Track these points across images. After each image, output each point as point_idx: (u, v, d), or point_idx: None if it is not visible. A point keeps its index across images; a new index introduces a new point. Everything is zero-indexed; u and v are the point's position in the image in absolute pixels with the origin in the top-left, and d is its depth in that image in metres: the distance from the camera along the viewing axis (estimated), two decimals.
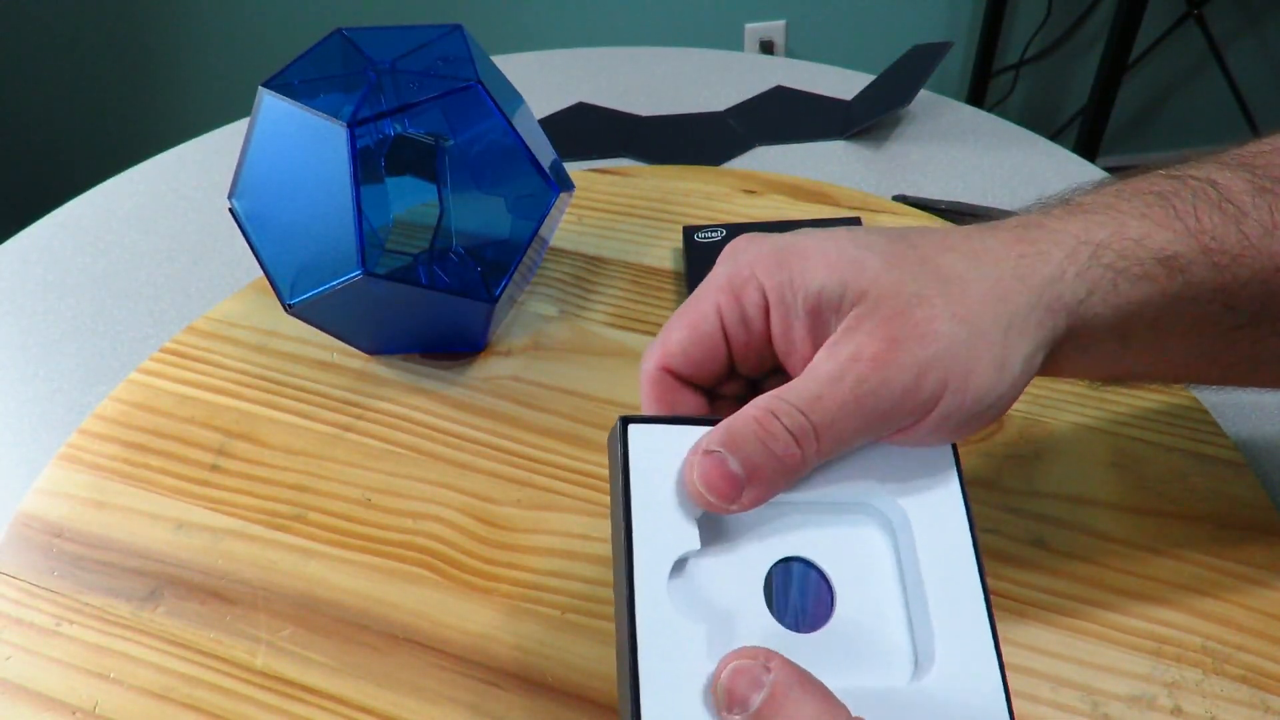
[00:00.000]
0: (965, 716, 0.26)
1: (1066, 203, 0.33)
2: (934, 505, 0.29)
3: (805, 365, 0.29)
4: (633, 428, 0.29)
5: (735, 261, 0.31)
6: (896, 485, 0.29)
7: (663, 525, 0.28)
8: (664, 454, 0.29)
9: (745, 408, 0.28)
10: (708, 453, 0.27)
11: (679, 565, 0.28)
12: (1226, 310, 0.31)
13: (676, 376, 0.31)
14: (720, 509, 0.27)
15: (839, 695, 0.25)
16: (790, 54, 1.85)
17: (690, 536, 0.28)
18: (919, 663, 0.28)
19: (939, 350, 0.28)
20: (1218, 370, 0.35)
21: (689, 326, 0.31)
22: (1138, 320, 0.31)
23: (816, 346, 0.29)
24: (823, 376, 0.28)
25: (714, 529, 0.29)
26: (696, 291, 0.31)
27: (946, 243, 0.30)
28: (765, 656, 0.25)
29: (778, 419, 0.27)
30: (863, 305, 0.28)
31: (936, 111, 0.78)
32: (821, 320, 0.29)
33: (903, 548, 0.29)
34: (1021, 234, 0.30)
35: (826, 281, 0.29)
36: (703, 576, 0.28)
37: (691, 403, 0.32)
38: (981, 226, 0.31)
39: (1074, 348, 0.31)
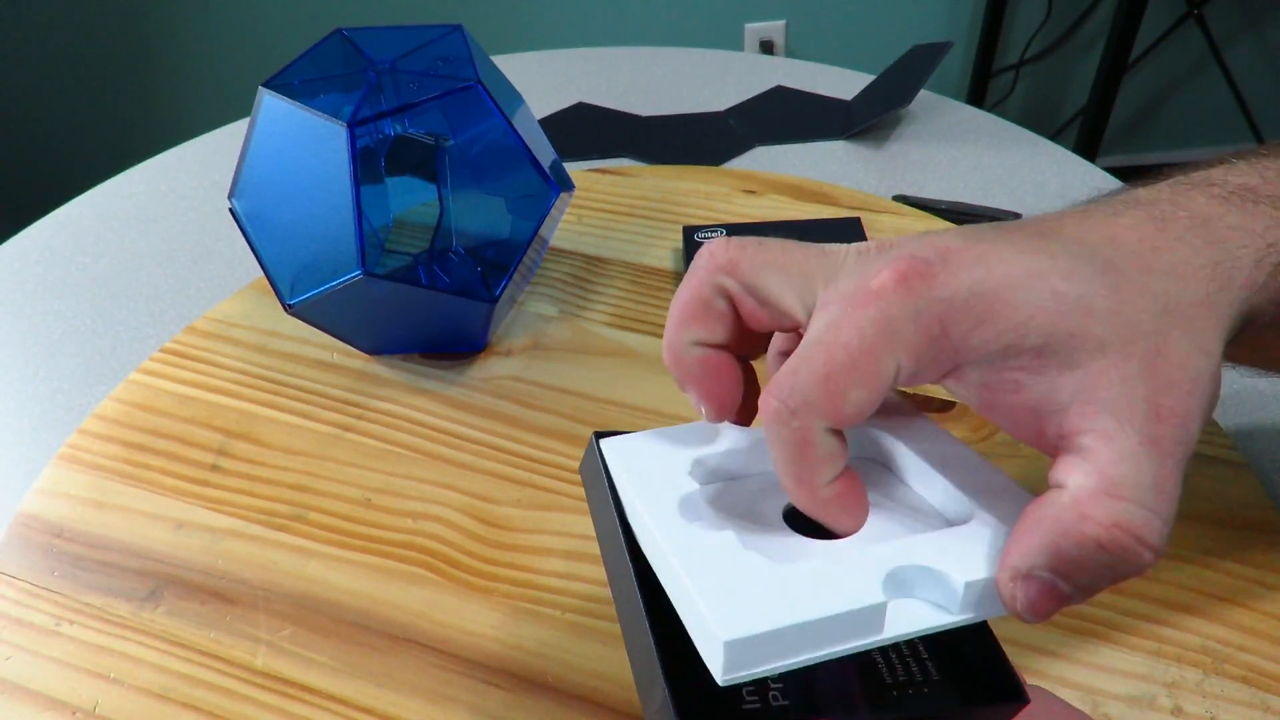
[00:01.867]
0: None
1: (1244, 189, 0.29)
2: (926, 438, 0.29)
3: (1012, 423, 0.25)
4: (605, 441, 0.29)
5: (919, 316, 0.24)
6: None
7: (656, 498, 0.27)
8: (641, 457, 0.28)
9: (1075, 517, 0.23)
10: (1025, 573, 0.23)
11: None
12: None
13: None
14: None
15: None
16: (790, 54, 1.85)
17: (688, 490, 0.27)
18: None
19: (1188, 374, 0.24)
20: None
21: (869, 389, 0.24)
22: None
23: (1029, 402, 0.25)
24: (1106, 463, 0.24)
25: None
26: (862, 335, 0.24)
27: (1132, 250, 0.26)
28: None
29: (1097, 519, 0.23)
30: (1104, 355, 0.24)
31: (936, 111, 0.78)
32: (1042, 374, 0.24)
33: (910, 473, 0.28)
34: (1206, 235, 0.27)
35: (1052, 333, 0.24)
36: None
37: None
38: (1147, 213, 0.27)
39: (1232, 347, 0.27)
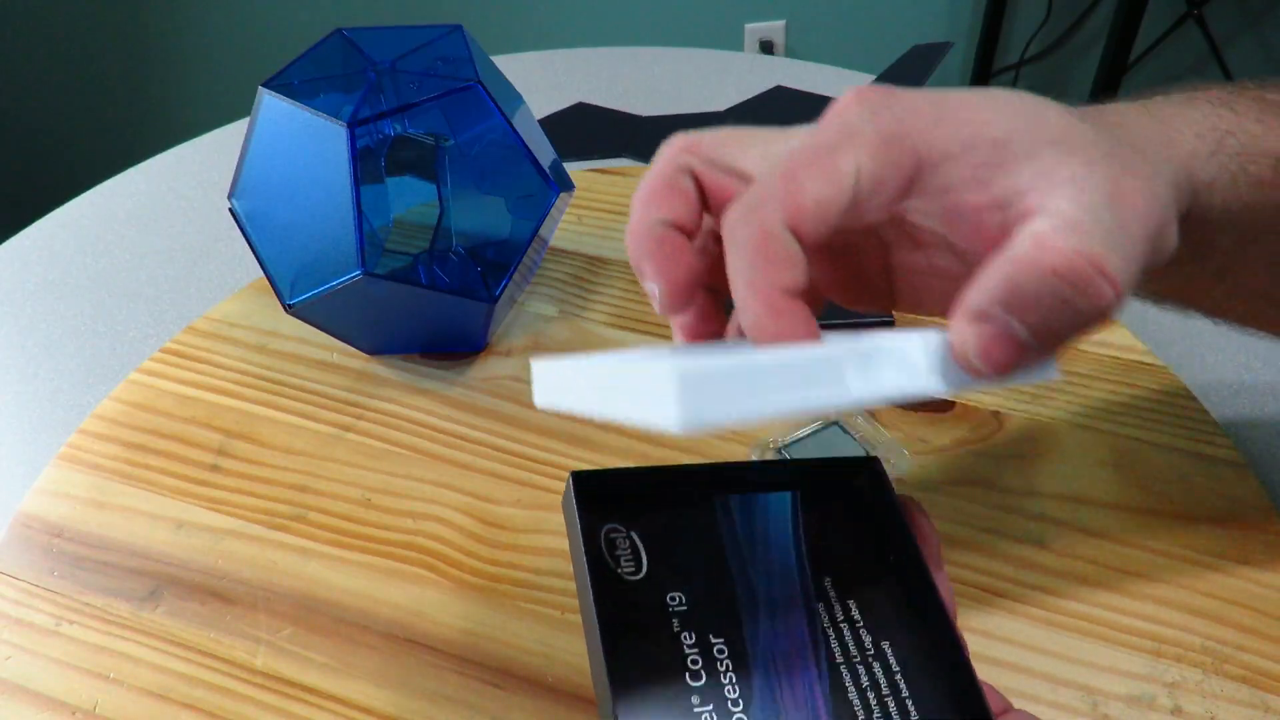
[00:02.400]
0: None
1: (1181, 93, 0.31)
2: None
3: (979, 223, 0.25)
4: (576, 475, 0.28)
5: (876, 116, 0.25)
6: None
7: None
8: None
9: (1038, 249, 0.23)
10: (993, 316, 0.23)
11: None
12: None
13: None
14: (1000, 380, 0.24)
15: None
16: (790, 54, 1.85)
17: None
18: None
19: (1145, 197, 0.25)
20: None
21: (828, 181, 0.24)
22: (1240, 225, 0.30)
23: (989, 194, 0.24)
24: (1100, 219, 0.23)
25: None
26: (821, 137, 0.24)
27: (1089, 117, 0.27)
28: None
29: (1090, 261, 0.22)
30: (1060, 148, 0.24)
31: None
32: (1001, 168, 0.24)
33: None
34: (1149, 112, 0.29)
35: (1011, 129, 0.24)
36: None
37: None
38: (1103, 107, 0.29)
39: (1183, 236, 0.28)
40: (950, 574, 0.42)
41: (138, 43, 1.75)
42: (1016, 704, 0.38)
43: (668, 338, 0.55)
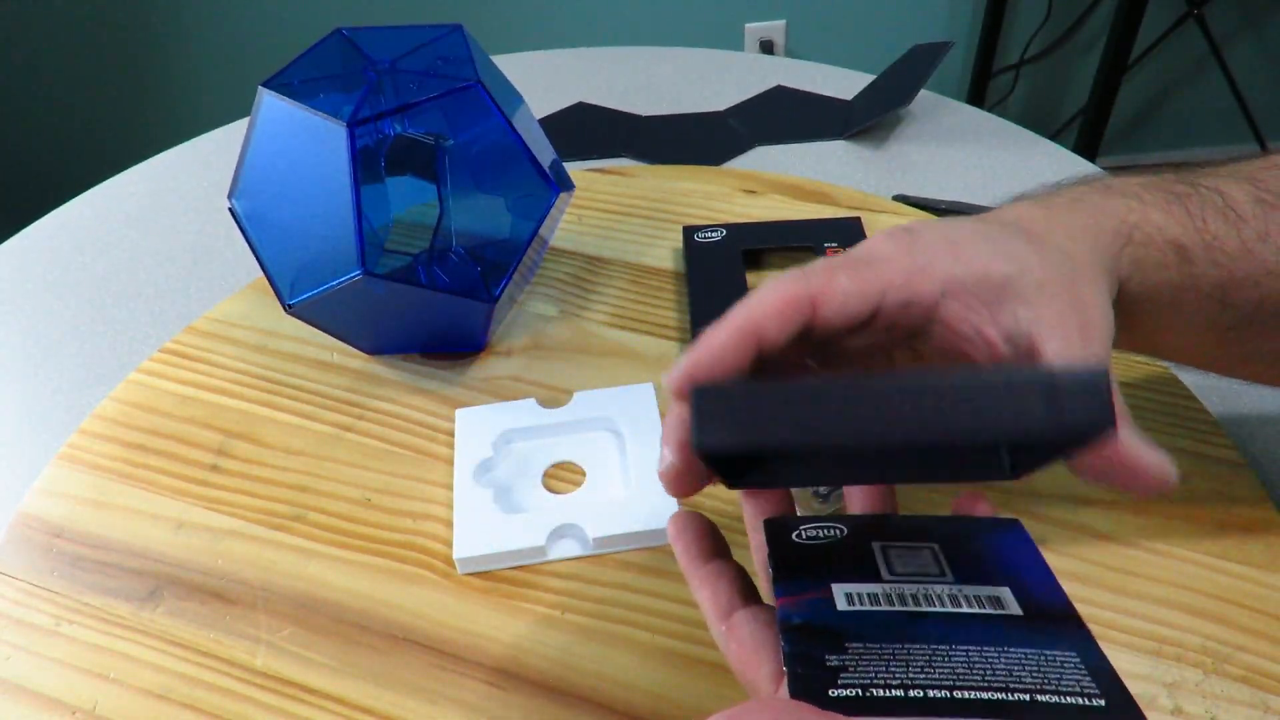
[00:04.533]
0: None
1: (1101, 182, 0.36)
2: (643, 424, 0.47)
3: (986, 348, 0.30)
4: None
5: (906, 251, 0.31)
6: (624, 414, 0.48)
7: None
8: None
9: None
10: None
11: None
12: (1223, 308, 0.35)
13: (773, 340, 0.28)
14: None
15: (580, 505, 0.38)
16: (790, 54, 1.85)
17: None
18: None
19: (1102, 314, 0.31)
20: (1220, 361, 0.38)
21: (860, 280, 0.29)
22: (1148, 301, 0.34)
23: (1000, 328, 0.30)
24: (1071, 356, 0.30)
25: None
26: (859, 253, 0.31)
27: (1028, 220, 0.33)
28: None
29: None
30: (1043, 291, 0.30)
31: (936, 111, 0.78)
32: (1003, 306, 0.30)
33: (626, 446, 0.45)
34: (1079, 209, 0.34)
35: (1009, 272, 0.30)
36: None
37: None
38: (1033, 202, 0.35)
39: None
40: None
41: (138, 43, 1.75)
42: None
43: (667, 337, 0.55)
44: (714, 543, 0.31)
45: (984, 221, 0.33)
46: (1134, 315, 0.35)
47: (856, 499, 0.34)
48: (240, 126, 0.81)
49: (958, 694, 0.23)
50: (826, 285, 0.29)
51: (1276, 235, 0.35)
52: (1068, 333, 0.30)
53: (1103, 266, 0.33)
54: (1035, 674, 0.24)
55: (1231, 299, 0.35)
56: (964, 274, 0.30)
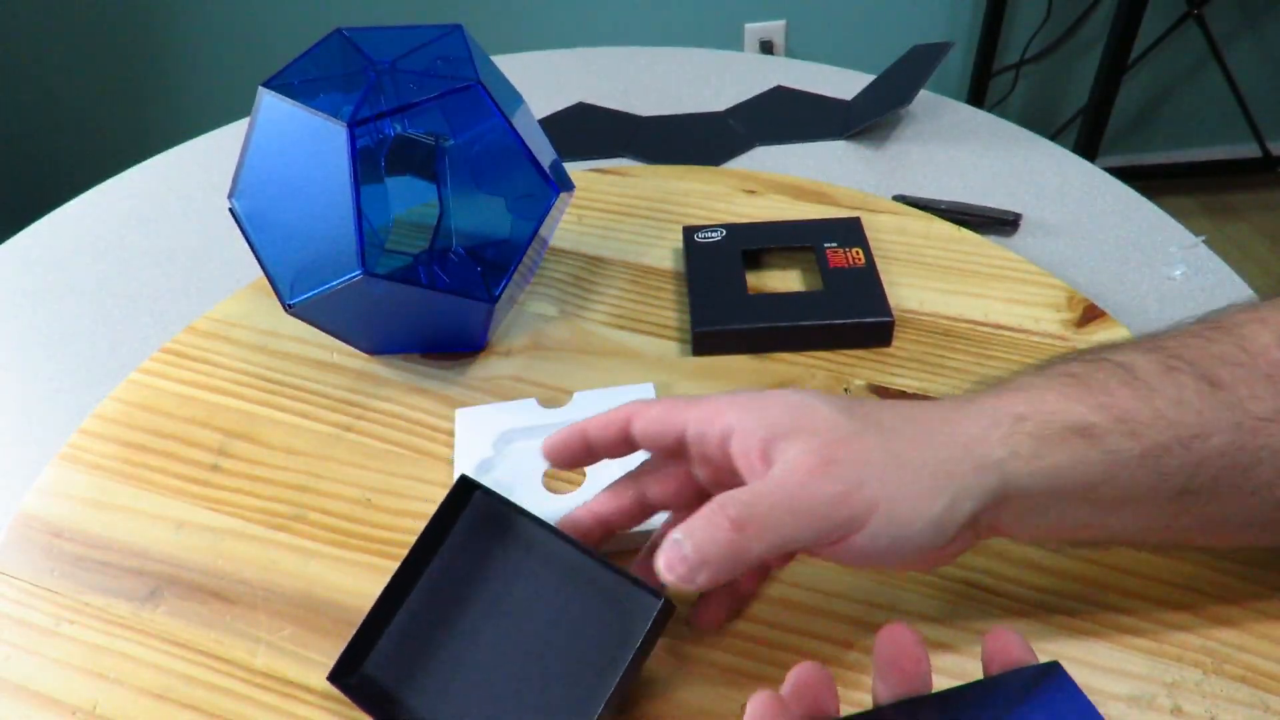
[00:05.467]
0: None
1: (993, 384, 0.37)
2: None
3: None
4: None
5: (701, 403, 0.37)
6: None
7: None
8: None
9: (705, 504, 0.32)
10: (672, 540, 0.32)
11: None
12: (1159, 478, 0.34)
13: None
14: (691, 589, 0.31)
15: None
16: (790, 54, 1.85)
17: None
18: None
19: (870, 474, 0.33)
20: (1171, 534, 0.36)
21: (659, 424, 0.37)
22: (1070, 486, 0.34)
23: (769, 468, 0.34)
24: (768, 481, 0.33)
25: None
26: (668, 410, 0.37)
27: (885, 407, 0.36)
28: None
29: (724, 509, 0.32)
30: (810, 436, 0.33)
31: (936, 111, 0.78)
32: (776, 448, 0.34)
33: None
34: (951, 406, 0.36)
35: (780, 419, 0.34)
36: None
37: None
38: (914, 403, 0.37)
39: (1011, 509, 0.34)
40: (951, 574, 0.42)
41: (138, 43, 1.75)
42: None
43: (667, 337, 0.55)
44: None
45: (806, 392, 0.36)
46: (1053, 506, 0.34)
47: None
48: (240, 126, 0.81)
49: None
50: (643, 409, 0.37)
51: (1192, 399, 0.34)
52: (752, 465, 0.34)
53: (947, 453, 0.33)
54: None
55: (1164, 468, 0.33)
56: (744, 418, 0.35)
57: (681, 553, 0.31)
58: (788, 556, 0.38)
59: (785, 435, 0.34)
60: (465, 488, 0.41)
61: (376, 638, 0.39)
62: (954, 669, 0.38)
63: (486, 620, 0.39)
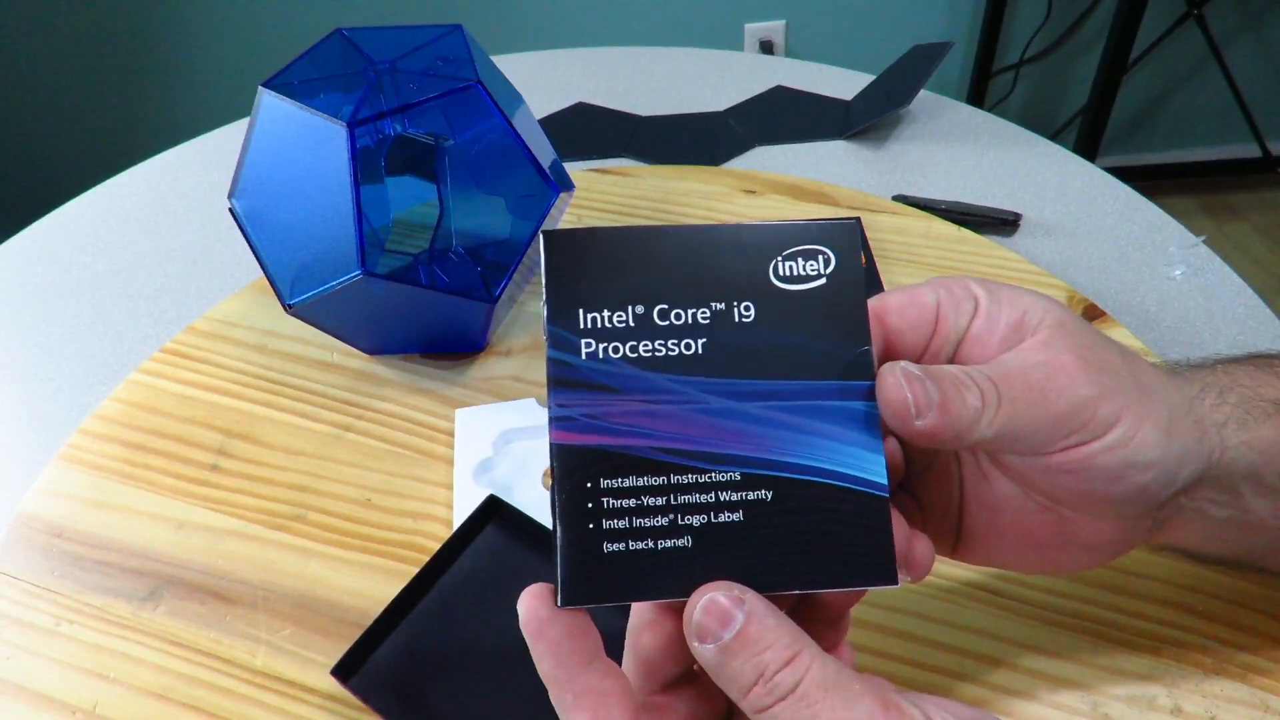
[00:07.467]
0: None
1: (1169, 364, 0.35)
2: None
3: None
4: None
5: (949, 278, 0.33)
6: None
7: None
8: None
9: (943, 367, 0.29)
10: (910, 374, 0.28)
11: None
12: None
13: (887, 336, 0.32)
14: (906, 427, 0.28)
15: None
16: (790, 54, 1.85)
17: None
18: None
19: (1120, 384, 0.30)
20: None
21: (908, 294, 0.33)
22: (1271, 465, 0.32)
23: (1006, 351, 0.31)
24: (1014, 365, 0.29)
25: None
26: (909, 286, 0.33)
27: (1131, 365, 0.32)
28: (739, 591, 0.25)
29: (972, 376, 0.28)
30: (1059, 329, 0.30)
31: (936, 111, 0.78)
32: (1018, 333, 0.31)
33: None
34: (1162, 371, 0.33)
35: (1032, 306, 0.31)
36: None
37: None
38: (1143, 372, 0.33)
39: (1205, 491, 0.32)
40: (952, 574, 0.42)
41: (138, 43, 1.75)
42: (1017, 704, 0.38)
43: None
44: (592, 643, 0.27)
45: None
46: (1248, 486, 0.32)
47: None
48: (240, 126, 0.81)
49: None
50: (884, 304, 0.33)
51: None
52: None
53: (1178, 401, 0.31)
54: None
55: None
56: (991, 296, 0.32)
57: (926, 389, 0.27)
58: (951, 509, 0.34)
59: (1039, 324, 0.30)
60: (492, 505, 0.43)
61: (384, 636, 0.39)
62: (954, 669, 0.38)
63: (498, 630, 0.39)
